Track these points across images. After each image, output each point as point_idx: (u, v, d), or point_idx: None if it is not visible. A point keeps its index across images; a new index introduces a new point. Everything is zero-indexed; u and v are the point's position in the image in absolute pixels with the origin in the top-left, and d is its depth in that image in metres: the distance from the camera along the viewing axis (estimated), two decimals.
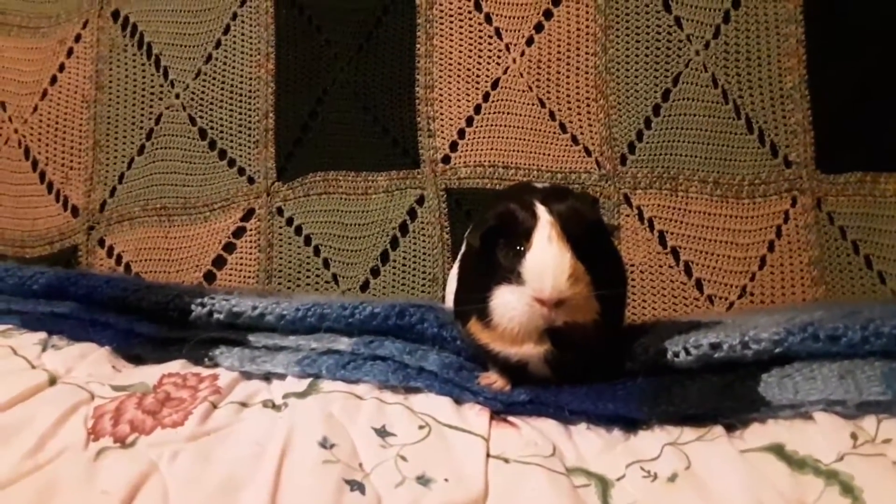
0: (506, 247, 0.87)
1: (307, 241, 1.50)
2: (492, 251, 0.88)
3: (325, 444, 0.79)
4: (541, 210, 0.87)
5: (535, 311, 0.84)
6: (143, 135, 1.59)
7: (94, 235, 1.58)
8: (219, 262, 1.52)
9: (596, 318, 0.86)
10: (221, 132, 1.55)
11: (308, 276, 1.49)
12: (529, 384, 0.92)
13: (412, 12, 1.49)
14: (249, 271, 1.51)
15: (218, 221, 1.53)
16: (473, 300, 0.88)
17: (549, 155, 1.43)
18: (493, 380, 0.93)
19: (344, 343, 0.98)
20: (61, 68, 1.63)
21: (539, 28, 1.45)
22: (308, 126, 1.53)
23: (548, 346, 0.86)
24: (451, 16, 1.48)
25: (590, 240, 0.88)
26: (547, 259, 0.84)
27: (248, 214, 1.52)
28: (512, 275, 0.85)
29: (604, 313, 0.86)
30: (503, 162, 1.44)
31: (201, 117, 1.56)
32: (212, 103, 1.56)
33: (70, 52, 1.63)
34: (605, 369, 0.92)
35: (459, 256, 1.06)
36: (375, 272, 1.46)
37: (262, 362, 0.96)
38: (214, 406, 0.86)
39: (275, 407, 0.87)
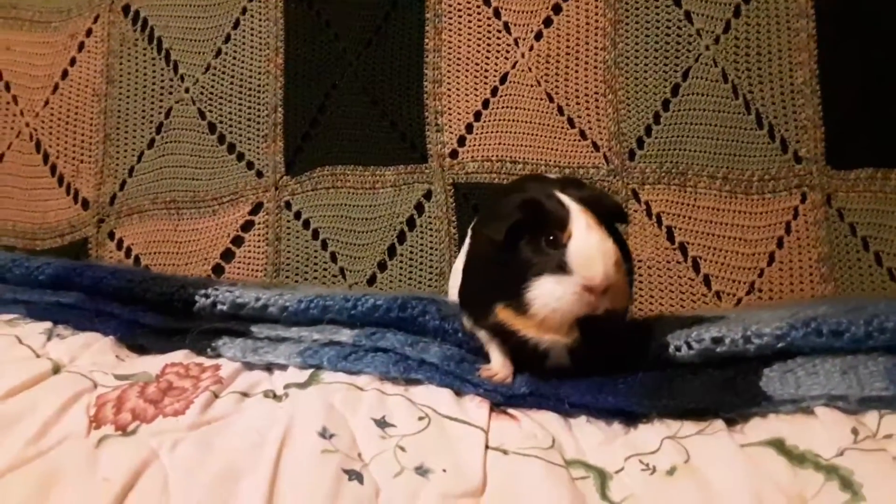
0: (537, 237, 0.87)
1: (315, 234, 1.50)
2: (514, 243, 0.88)
3: (324, 435, 0.79)
4: (566, 199, 0.88)
5: (583, 299, 0.84)
6: (153, 128, 1.60)
7: (104, 228, 1.59)
8: (227, 255, 1.53)
9: (626, 305, 0.88)
10: (230, 126, 1.56)
11: (315, 270, 1.50)
12: (533, 375, 0.92)
13: (421, 7, 1.49)
14: (257, 265, 1.52)
15: (226, 215, 1.54)
16: (501, 293, 0.88)
17: (557, 150, 1.43)
18: (494, 371, 0.93)
19: (346, 335, 0.99)
20: (72, 62, 1.64)
21: (548, 22, 1.44)
22: (316, 120, 1.53)
23: (576, 335, 0.86)
24: (459, 10, 1.48)
25: (613, 227, 0.90)
26: (593, 246, 0.84)
27: (257, 208, 1.53)
28: (553, 264, 0.84)
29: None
30: (511, 157, 1.44)
31: (211, 111, 1.57)
32: (221, 97, 1.57)
33: (81, 47, 1.64)
34: (619, 359, 0.93)
35: (466, 250, 1.05)
36: (382, 266, 1.46)
37: (264, 353, 0.96)
38: (216, 396, 0.86)
39: (276, 397, 0.87)
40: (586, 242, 0.84)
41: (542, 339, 0.87)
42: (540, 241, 0.86)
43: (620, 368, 0.92)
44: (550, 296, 0.84)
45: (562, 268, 0.84)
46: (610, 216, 0.90)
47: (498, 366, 0.94)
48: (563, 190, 0.89)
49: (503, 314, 0.89)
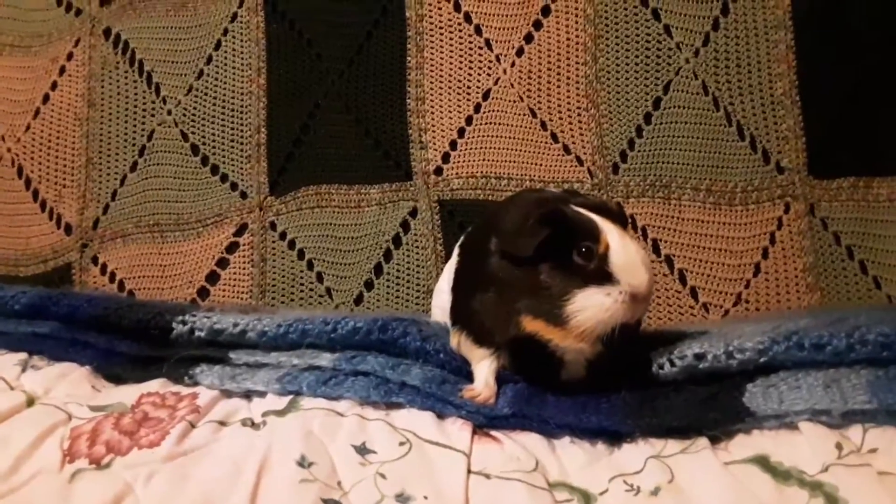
0: (564, 249, 0.86)
1: (300, 255, 1.50)
2: (534, 258, 0.87)
3: (302, 463, 0.78)
4: (583, 210, 0.89)
5: (627, 307, 0.85)
6: (136, 151, 1.59)
7: (88, 253, 1.59)
8: (212, 277, 1.52)
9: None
10: (214, 147, 1.56)
11: (302, 291, 1.49)
12: (516, 396, 0.91)
13: (402, 25, 1.49)
14: (243, 286, 1.51)
15: (211, 237, 1.53)
16: (533, 306, 0.87)
17: (541, 165, 1.43)
18: (477, 392, 0.92)
19: (326, 359, 0.98)
20: (54, 86, 1.64)
21: (529, 39, 1.44)
22: (300, 140, 1.53)
23: (599, 347, 0.86)
24: (441, 28, 1.48)
25: None
26: (633, 255, 0.86)
27: (241, 229, 1.52)
28: (596, 276, 0.85)
29: None
30: (496, 173, 1.44)
31: (193, 133, 1.56)
32: (204, 119, 1.56)
33: (62, 71, 1.64)
34: (626, 370, 0.92)
35: (456, 268, 1.03)
36: (369, 285, 1.46)
37: (242, 380, 0.95)
38: (192, 426, 0.85)
39: (254, 425, 0.86)
40: (627, 251, 0.85)
41: (569, 348, 0.87)
42: (570, 254, 0.86)
43: (604, 387, 0.91)
44: (599, 307, 0.84)
45: (607, 278, 0.85)
46: (614, 221, 0.90)
47: (481, 386, 0.93)
48: (572, 201, 0.90)
49: (533, 325, 0.87)
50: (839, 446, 0.76)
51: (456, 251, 1.05)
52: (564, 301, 0.85)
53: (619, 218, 0.92)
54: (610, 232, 0.86)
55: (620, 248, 0.85)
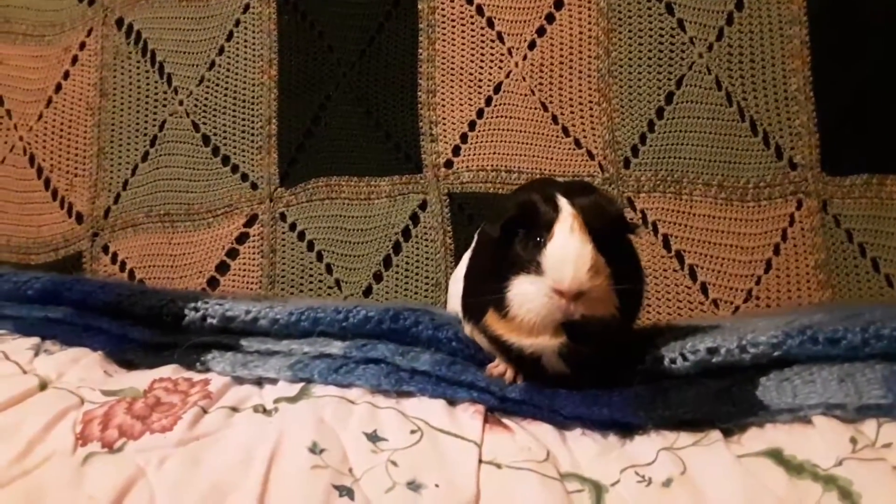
0: (526, 237, 0.86)
1: (310, 246, 1.50)
2: (510, 242, 0.87)
3: (314, 450, 0.78)
4: (563, 202, 0.86)
5: (553, 302, 0.82)
6: (147, 141, 1.59)
7: (99, 242, 1.59)
8: (222, 267, 1.52)
9: (614, 313, 0.84)
10: (225, 138, 1.56)
11: (311, 282, 1.49)
12: (540, 381, 0.91)
13: (414, 17, 1.49)
14: (252, 277, 1.51)
15: (221, 227, 1.53)
16: (489, 291, 0.87)
17: (551, 159, 1.42)
18: (502, 370, 0.93)
19: (337, 346, 0.98)
20: (66, 76, 1.64)
21: (541, 32, 1.44)
22: (311, 131, 1.53)
23: (563, 339, 0.84)
24: (452, 20, 1.48)
25: (611, 234, 0.87)
26: (568, 250, 0.83)
27: (252, 220, 1.52)
28: (531, 265, 0.83)
29: (622, 309, 0.85)
30: (506, 166, 1.43)
31: (205, 123, 1.56)
32: (215, 109, 1.56)
33: (75, 60, 1.64)
34: (619, 367, 0.91)
35: (470, 252, 1.04)
36: (378, 277, 1.46)
37: (253, 367, 0.95)
38: (204, 411, 0.85)
39: (265, 412, 0.86)
40: (562, 246, 0.83)
41: (524, 343, 0.86)
42: (529, 242, 0.85)
43: (616, 380, 0.90)
44: (525, 296, 0.83)
45: (537, 269, 0.83)
46: (613, 225, 0.88)
47: (503, 364, 0.93)
48: (566, 193, 0.88)
49: (490, 318, 0.88)
50: (853, 440, 0.76)
51: (475, 238, 1.06)
52: (505, 287, 0.85)
53: (614, 223, 0.89)
54: (562, 226, 0.84)
55: (559, 242, 0.83)
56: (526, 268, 0.84)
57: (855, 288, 1.28)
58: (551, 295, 0.82)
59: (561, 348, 0.85)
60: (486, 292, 0.87)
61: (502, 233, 0.87)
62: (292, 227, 1.51)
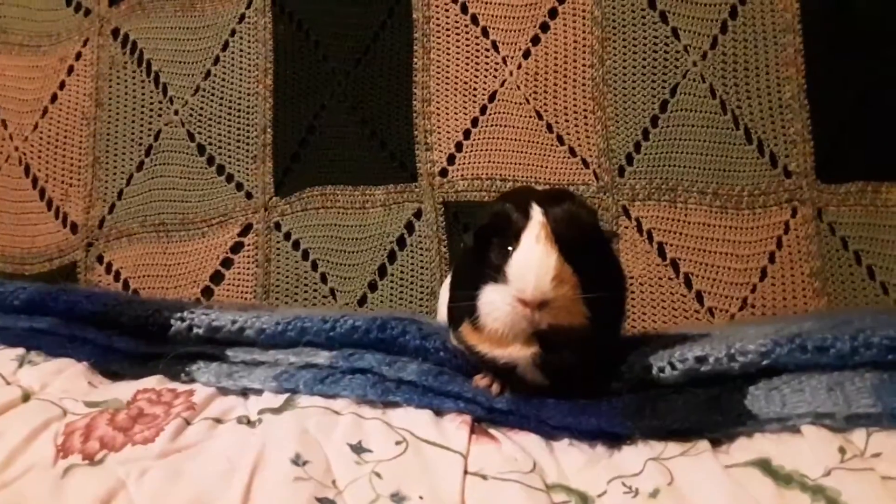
0: (497, 246, 0.86)
1: (305, 255, 1.49)
2: (485, 250, 0.87)
3: (297, 461, 0.77)
4: (535, 211, 0.85)
5: (518, 311, 0.82)
6: (142, 151, 1.59)
7: (93, 252, 1.59)
8: (217, 277, 1.52)
9: (584, 322, 0.83)
10: (220, 148, 1.56)
11: (306, 291, 1.48)
12: (520, 392, 0.90)
13: (409, 27, 1.49)
14: (247, 286, 1.51)
15: (216, 237, 1.53)
16: (464, 299, 0.86)
17: (546, 167, 1.42)
18: (488, 381, 0.92)
19: (323, 356, 0.97)
20: (62, 86, 1.65)
21: (536, 41, 1.44)
22: (306, 141, 1.53)
23: (536, 349, 0.84)
24: (447, 30, 1.48)
25: (582, 243, 0.85)
26: (531, 259, 0.82)
27: (246, 229, 1.52)
28: (498, 274, 0.83)
29: (595, 318, 0.83)
30: (501, 175, 1.43)
31: (200, 133, 1.57)
32: (210, 119, 1.56)
33: (70, 70, 1.64)
34: (599, 377, 0.90)
35: (455, 264, 1.04)
36: (373, 286, 1.45)
37: (239, 377, 0.95)
38: (188, 422, 0.85)
39: (249, 423, 0.86)
40: (526, 255, 0.82)
41: (496, 353, 0.85)
42: (499, 251, 0.85)
43: (602, 390, 0.90)
44: (491, 305, 0.83)
45: (503, 278, 0.83)
46: (585, 233, 0.86)
47: (490, 377, 0.93)
48: (541, 202, 0.86)
49: (465, 328, 0.87)
50: (842, 450, 0.75)
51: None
52: (476, 296, 0.84)
53: (584, 229, 0.87)
54: (529, 234, 0.83)
55: (523, 251, 0.83)
56: (494, 277, 0.83)
57: (850, 296, 1.28)
58: (515, 304, 0.82)
59: (535, 358, 0.84)
60: (461, 300, 0.87)
61: (476, 241, 0.88)
62: (287, 236, 1.50)
